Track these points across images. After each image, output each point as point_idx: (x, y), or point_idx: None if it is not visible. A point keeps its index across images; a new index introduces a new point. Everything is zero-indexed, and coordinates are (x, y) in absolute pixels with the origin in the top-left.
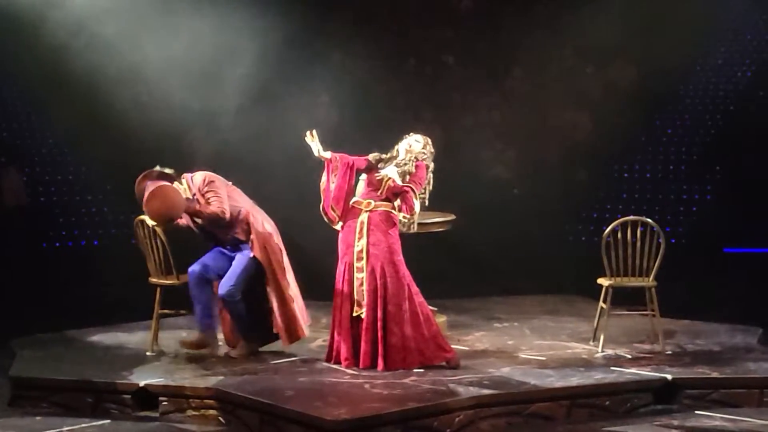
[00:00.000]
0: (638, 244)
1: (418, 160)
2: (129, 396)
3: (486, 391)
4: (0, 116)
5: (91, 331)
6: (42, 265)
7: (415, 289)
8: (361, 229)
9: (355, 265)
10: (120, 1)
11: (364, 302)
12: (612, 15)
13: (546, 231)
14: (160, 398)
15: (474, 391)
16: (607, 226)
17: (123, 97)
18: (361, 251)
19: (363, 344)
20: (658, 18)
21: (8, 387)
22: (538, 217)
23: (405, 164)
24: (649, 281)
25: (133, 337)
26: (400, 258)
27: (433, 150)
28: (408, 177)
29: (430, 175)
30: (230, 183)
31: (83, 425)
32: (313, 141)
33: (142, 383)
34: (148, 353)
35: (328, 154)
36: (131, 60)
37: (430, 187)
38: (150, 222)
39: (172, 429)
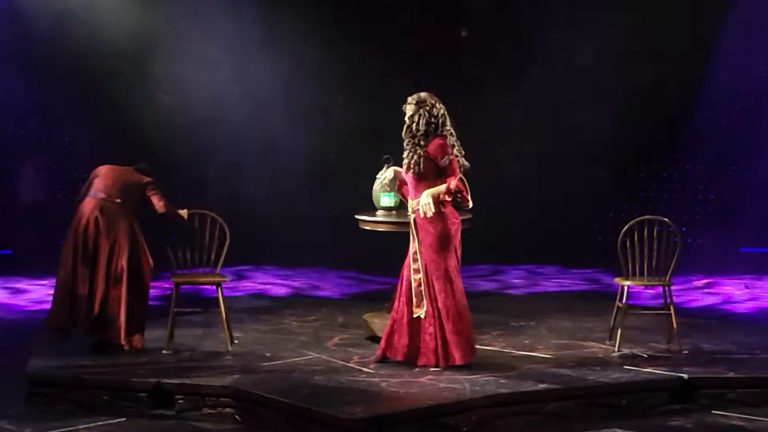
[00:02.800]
0: (655, 243)
1: (426, 140)
2: (145, 394)
3: (503, 390)
4: (17, 114)
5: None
6: (55, 264)
7: (456, 286)
8: (412, 231)
9: (411, 267)
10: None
11: (424, 302)
12: (631, 13)
13: (563, 230)
14: (176, 396)
15: (490, 389)
16: (623, 225)
17: (142, 96)
18: (415, 252)
19: (420, 343)
20: (676, 16)
21: (24, 384)
22: (555, 216)
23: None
24: (666, 280)
25: (149, 335)
26: (445, 252)
27: (437, 106)
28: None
29: (451, 137)
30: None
31: (99, 423)
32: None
33: (158, 381)
34: (164, 351)
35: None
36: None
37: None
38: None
39: (188, 427)
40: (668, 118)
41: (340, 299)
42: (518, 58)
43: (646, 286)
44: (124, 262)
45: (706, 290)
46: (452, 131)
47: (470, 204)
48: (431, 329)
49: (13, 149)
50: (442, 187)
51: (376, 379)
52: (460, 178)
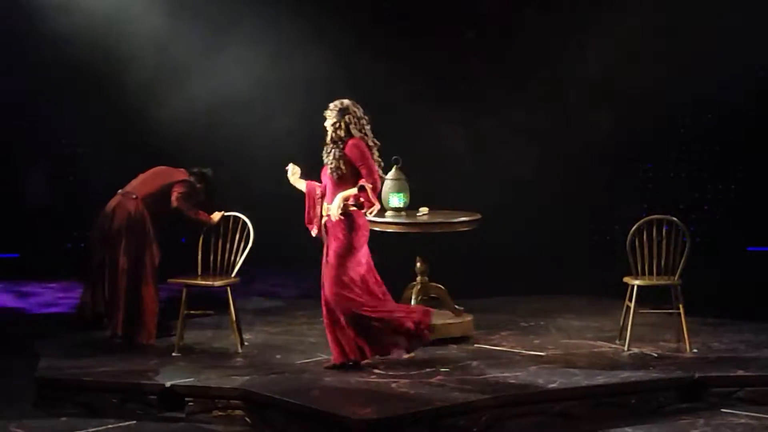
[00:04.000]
0: (663, 242)
1: (344, 142)
2: (155, 397)
3: (512, 390)
4: (24, 116)
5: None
6: (66, 265)
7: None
8: (323, 236)
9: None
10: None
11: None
12: (637, 13)
13: (570, 230)
14: (186, 399)
15: (500, 390)
16: (631, 225)
17: (151, 99)
18: (325, 256)
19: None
20: (683, 16)
21: (33, 388)
22: (562, 216)
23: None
24: (675, 280)
25: (159, 337)
26: (347, 260)
27: (359, 114)
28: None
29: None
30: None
31: (108, 426)
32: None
33: (168, 384)
34: (173, 353)
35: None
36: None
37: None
38: None
39: (198, 429)
40: (675, 116)
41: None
42: (525, 59)
43: (655, 286)
44: (124, 259)
45: None
46: (375, 141)
47: (373, 209)
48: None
49: (21, 152)
50: (353, 189)
51: (386, 380)
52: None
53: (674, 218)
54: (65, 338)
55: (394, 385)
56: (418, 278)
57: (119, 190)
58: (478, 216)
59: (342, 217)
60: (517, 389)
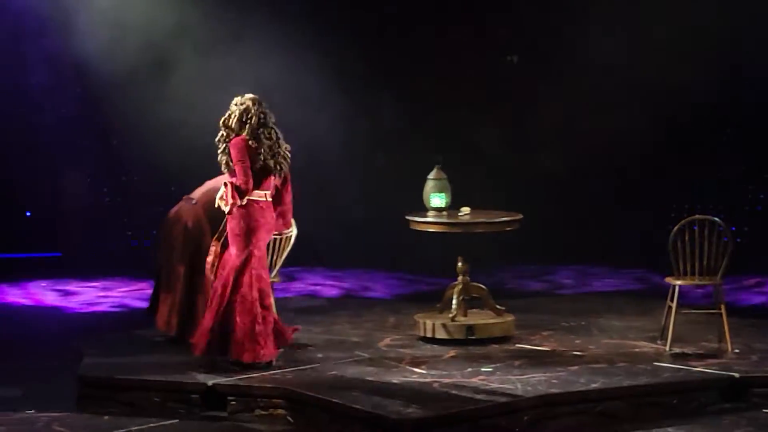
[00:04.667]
0: (705, 242)
1: (229, 139)
2: (197, 395)
3: (554, 390)
4: (68, 117)
5: (158, 330)
6: (105, 266)
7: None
8: None
9: None
10: None
11: None
12: (669, 10)
13: (608, 231)
14: (229, 398)
15: (542, 390)
16: (672, 225)
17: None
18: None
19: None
20: (715, 13)
21: (76, 386)
22: (599, 216)
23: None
24: (717, 280)
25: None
26: (236, 249)
27: (254, 110)
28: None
29: (267, 140)
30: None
31: (151, 425)
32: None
33: (210, 383)
34: None
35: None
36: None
37: (280, 150)
38: None
39: (240, 429)
40: (714, 117)
41: (391, 300)
42: (559, 57)
43: (697, 286)
44: (181, 264)
45: (756, 289)
46: (270, 135)
47: (228, 206)
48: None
49: (63, 153)
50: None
51: (428, 380)
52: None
53: (716, 218)
54: (107, 337)
55: (435, 384)
56: (460, 278)
57: (184, 196)
58: (520, 216)
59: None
60: (559, 389)
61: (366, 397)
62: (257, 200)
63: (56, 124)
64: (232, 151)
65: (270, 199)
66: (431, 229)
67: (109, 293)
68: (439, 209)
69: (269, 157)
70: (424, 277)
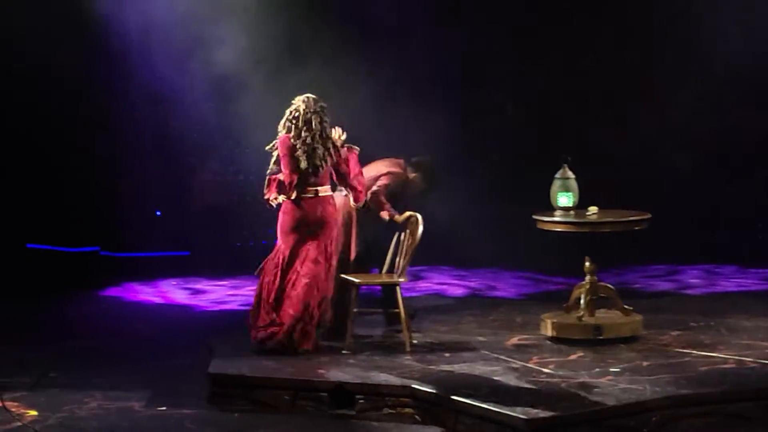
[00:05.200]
0: None
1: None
2: (326, 394)
3: (683, 391)
4: (190, 116)
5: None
6: (233, 263)
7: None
8: None
9: None
10: None
11: None
12: None
13: (735, 229)
14: (357, 396)
15: (671, 390)
16: None
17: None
18: None
19: None
20: None
21: (207, 384)
22: (727, 215)
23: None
24: None
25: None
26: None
27: (294, 109)
28: None
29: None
30: None
31: (280, 423)
32: None
33: (338, 381)
34: (344, 351)
35: None
36: None
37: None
38: None
39: (369, 427)
40: None
41: (517, 299)
42: (683, 55)
43: None
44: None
45: None
46: (314, 134)
47: (274, 202)
48: None
49: (192, 151)
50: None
51: (556, 380)
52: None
53: None
54: (237, 335)
55: (563, 384)
56: (587, 278)
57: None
58: (648, 215)
59: None
60: (688, 390)
61: (493, 397)
62: (307, 196)
63: (186, 126)
64: (279, 149)
65: (327, 194)
66: (558, 228)
67: (238, 291)
68: (566, 208)
69: (311, 155)
70: (551, 276)
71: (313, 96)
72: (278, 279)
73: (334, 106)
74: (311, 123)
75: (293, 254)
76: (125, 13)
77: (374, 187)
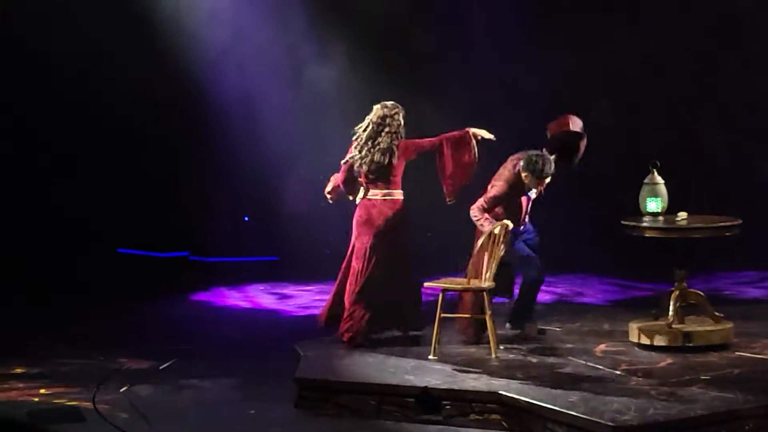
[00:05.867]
0: None
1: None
2: (411, 399)
3: None
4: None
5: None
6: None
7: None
8: None
9: None
10: None
11: None
12: None
13: None
14: (443, 402)
15: (764, 399)
16: None
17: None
18: None
19: None
20: None
21: (294, 389)
22: None
23: None
24: None
25: (415, 340)
26: None
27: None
28: None
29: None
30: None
31: (366, 428)
32: None
33: (425, 386)
34: (429, 357)
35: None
36: None
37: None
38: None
39: None
40: None
41: (605, 306)
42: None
43: None
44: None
45: None
46: (367, 141)
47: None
48: None
49: (281, 157)
50: None
51: (645, 387)
52: None
53: None
54: (324, 340)
55: (653, 392)
56: (677, 284)
57: None
58: (739, 221)
59: None
60: None
61: (582, 403)
62: (370, 198)
63: (276, 131)
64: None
65: (374, 198)
66: (647, 234)
67: (325, 296)
68: (654, 214)
69: (360, 162)
70: (639, 282)
71: (389, 103)
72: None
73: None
74: (373, 131)
75: (351, 252)
76: (217, 25)
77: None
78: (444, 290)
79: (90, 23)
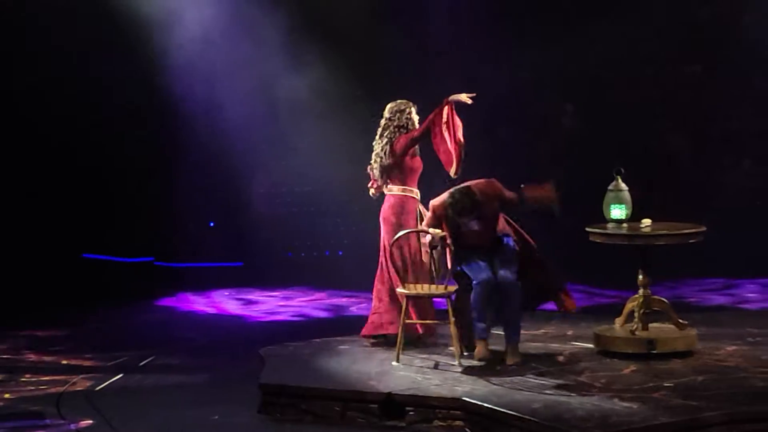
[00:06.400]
0: None
1: None
2: (375, 405)
3: (741, 408)
4: (257, 128)
5: (337, 340)
6: (286, 276)
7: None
8: None
9: None
10: None
11: None
12: None
13: None
14: (407, 408)
15: (727, 407)
16: None
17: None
18: None
19: None
20: None
21: (258, 394)
22: None
23: None
24: None
25: (379, 347)
26: None
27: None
28: None
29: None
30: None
31: None
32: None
33: (389, 393)
34: (394, 363)
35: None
36: None
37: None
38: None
39: None
40: None
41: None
42: (748, 66)
43: None
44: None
45: None
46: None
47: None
48: None
49: (247, 162)
50: None
51: (609, 395)
52: None
53: None
54: (288, 346)
55: (616, 399)
56: (641, 291)
57: None
58: (704, 228)
59: None
60: (745, 406)
61: (545, 411)
62: (387, 194)
63: (240, 136)
64: None
65: (389, 193)
66: (611, 241)
67: (290, 302)
68: (619, 221)
69: (375, 158)
70: (604, 290)
71: (400, 100)
72: None
73: None
74: (385, 126)
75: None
76: (180, 28)
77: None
78: (408, 296)
79: (56, 24)
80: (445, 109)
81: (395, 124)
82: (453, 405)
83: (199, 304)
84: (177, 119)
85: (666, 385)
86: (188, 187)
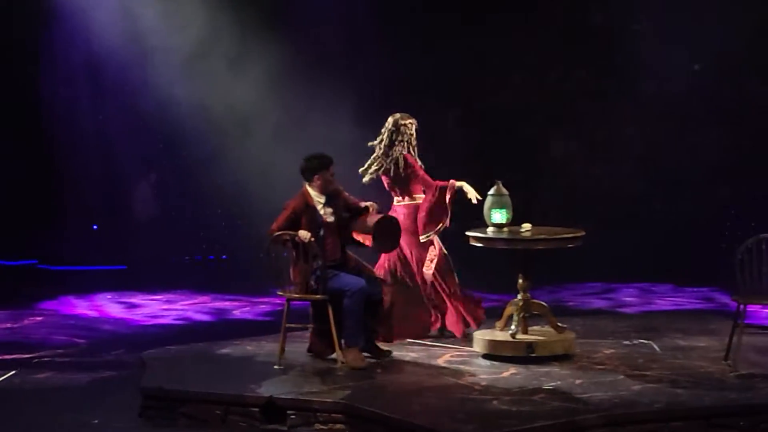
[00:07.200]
0: None
1: None
2: (257, 409)
3: (617, 411)
4: (133, 130)
5: (220, 343)
6: (169, 279)
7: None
8: None
9: None
10: None
11: None
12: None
13: (683, 248)
14: (288, 411)
15: (604, 409)
16: (741, 244)
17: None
18: None
19: None
20: None
21: (138, 398)
22: (675, 234)
23: None
24: None
25: (261, 350)
26: None
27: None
28: None
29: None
30: None
31: None
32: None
33: (269, 396)
34: (275, 366)
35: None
36: None
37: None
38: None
39: None
40: None
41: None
42: (634, 72)
43: (765, 306)
44: None
45: None
46: (383, 151)
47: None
48: None
49: (129, 165)
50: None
51: (488, 397)
52: None
53: None
54: (170, 350)
55: (495, 402)
56: (520, 295)
57: None
58: (583, 233)
59: None
60: (622, 409)
61: (425, 413)
62: (394, 205)
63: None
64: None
65: (397, 204)
66: (491, 245)
67: (172, 306)
68: (499, 225)
69: (382, 171)
70: (484, 293)
71: (402, 114)
72: None
73: None
74: (388, 138)
75: None
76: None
77: None
78: (289, 300)
79: None
80: (449, 192)
81: (403, 139)
82: (334, 408)
83: (82, 307)
84: (60, 121)
85: (545, 388)
86: (72, 190)
